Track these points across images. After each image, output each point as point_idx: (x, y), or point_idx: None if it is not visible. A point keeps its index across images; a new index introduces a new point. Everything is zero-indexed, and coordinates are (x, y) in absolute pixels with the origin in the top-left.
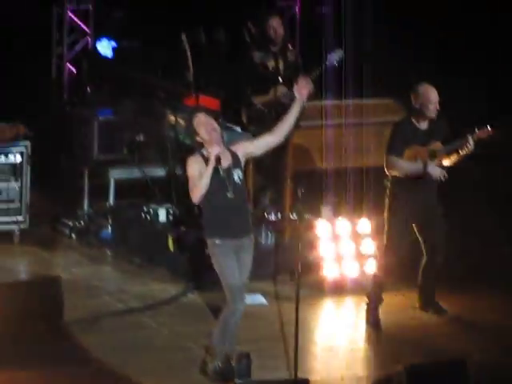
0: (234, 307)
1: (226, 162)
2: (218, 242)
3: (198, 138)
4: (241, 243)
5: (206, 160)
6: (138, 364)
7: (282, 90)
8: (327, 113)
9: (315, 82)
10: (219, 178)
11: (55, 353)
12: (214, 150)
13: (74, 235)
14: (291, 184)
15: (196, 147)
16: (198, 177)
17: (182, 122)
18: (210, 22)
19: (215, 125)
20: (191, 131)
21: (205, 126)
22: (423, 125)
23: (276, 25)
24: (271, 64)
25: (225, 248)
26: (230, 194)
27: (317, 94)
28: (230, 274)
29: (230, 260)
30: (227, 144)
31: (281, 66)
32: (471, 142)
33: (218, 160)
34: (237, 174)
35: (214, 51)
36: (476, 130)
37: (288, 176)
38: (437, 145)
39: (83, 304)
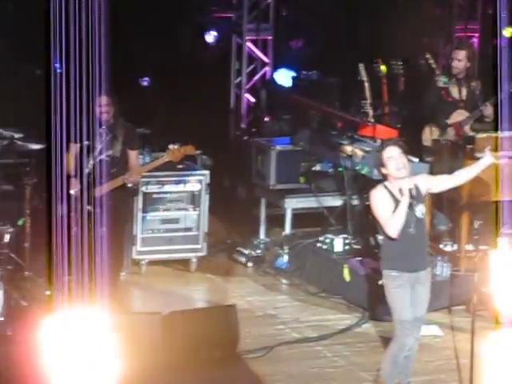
0: (403, 341)
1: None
2: (394, 274)
3: (383, 170)
4: (417, 277)
5: (391, 193)
6: None
7: (462, 115)
8: (503, 144)
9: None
10: None
11: (230, 381)
12: (406, 184)
13: (250, 264)
14: (468, 215)
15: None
16: (389, 211)
17: (358, 152)
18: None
19: (406, 162)
20: (377, 162)
21: (396, 161)
22: None
23: (460, 57)
24: (454, 90)
25: (400, 281)
26: (412, 230)
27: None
28: (402, 308)
29: (404, 293)
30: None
31: (463, 93)
32: None
33: (411, 195)
34: (419, 209)
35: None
36: None
37: (464, 207)
38: None
39: (258, 333)
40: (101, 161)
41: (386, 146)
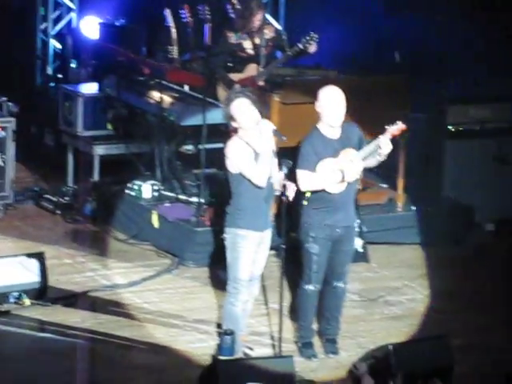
0: (236, 298)
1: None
2: (244, 232)
3: (233, 124)
4: (262, 235)
5: (248, 144)
6: (119, 338)
7: (257, 68)
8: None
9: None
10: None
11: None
12: (269, 125)
13: (58, 211)
14: None
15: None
16: (253, 161)
17: (166, 98)
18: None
19: (256, 111)
20: (226, 116)
21: (246, 113)
22: None
23: (260, 17)
24: (247, 44)
25: (250, 240)
26: (269, 183)
27: None
28: (243, 268)
29: (250, 253)
30: None
31: (257, 41)
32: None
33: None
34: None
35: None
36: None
37: None
38: None
39: (67, 280)
40: None
41: (233, 99)
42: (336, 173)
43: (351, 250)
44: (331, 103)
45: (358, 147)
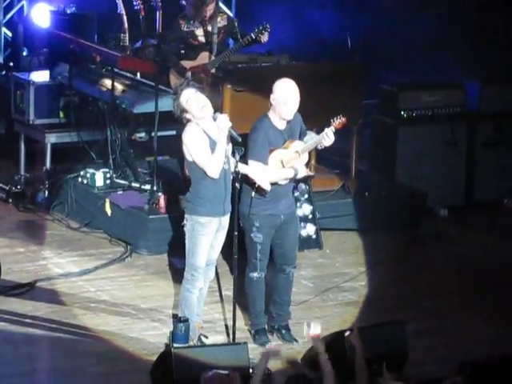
0: (193, 284)
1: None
2: (204, 220)
3: (186, 116)
4: (221, 220)
5: (204, 132)
6: (73, 326)
7: (209, 56)
8: None
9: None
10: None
11: None
12: (223, 118)
13: (10, 200)
14: None
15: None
16: (208, 150)
17: (118, 86)
18: None
19: (206, 99)
20: (178, 110)
21: (196, 102)
22: None
23: (212, 7)
24: (199, 32)
25: (210, 227)
26: (226, 166)
27: None
28: (201, 254)
29: (209, 240)
30: None
31: (210, 29)
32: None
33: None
34: (229, 149)
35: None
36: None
37: None
38: None
39: (20, 269)
40: None
41: (180, 92)
42: (289, 171)
43: (297, 233)
44: (287, 98)
45: (300, 136)
